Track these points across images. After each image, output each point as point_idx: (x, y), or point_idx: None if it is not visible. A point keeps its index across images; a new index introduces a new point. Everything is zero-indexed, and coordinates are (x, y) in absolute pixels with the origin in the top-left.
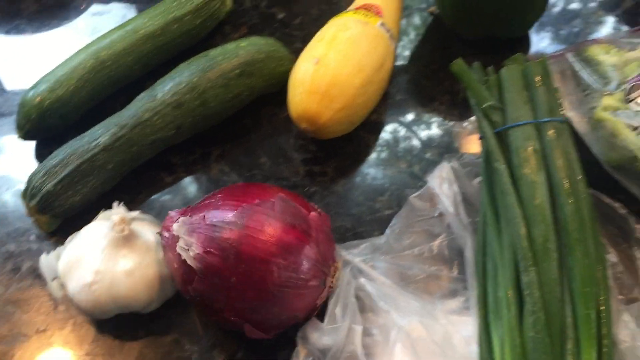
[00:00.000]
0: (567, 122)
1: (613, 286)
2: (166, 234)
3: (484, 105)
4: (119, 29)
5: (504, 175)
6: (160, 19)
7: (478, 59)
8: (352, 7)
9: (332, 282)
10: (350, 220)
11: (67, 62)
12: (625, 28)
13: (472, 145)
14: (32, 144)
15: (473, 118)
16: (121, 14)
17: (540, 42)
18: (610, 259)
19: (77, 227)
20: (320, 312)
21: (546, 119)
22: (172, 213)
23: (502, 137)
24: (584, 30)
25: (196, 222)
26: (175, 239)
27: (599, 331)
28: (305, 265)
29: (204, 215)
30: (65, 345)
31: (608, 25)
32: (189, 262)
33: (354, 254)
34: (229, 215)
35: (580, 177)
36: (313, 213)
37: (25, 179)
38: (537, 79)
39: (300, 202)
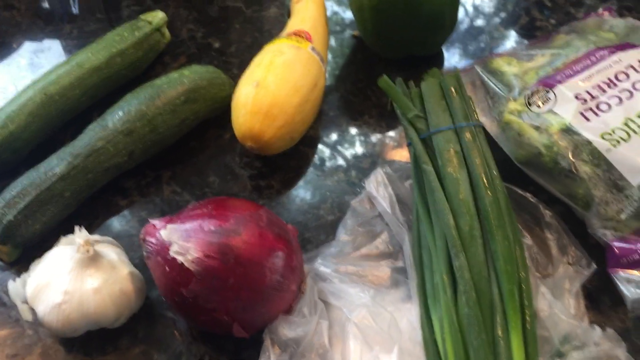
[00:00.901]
0: (481, 126)
1: (530, 265)
2: (151, 240)
3: (409, 115)
4: (65, 64)
5: (431, 175)
6: (104, 53)
7: (399, 75)
8: (284, 33)
9: (303, 287)
10: (298, 227)
11: (16, 99)
12: (523, 41)
13: (400, 152)
14: None
15: (398, 128)
16: (58, 50)
17: (452, 56)
18: (526, 242)
19: (38, 254)
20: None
21: (463, 124)
22: (154, 221)
23: (427, 142)
24: (489, 44)
25: (192, 229)
26: (165, 244)
27: (522, 303)
28: (289, 271)
29: (200, 223)
30: None
31: (509, 39)
32: (187, 265)
33: (313, 262)
34: (226, 224)
35: (495, 172)
36: (289, 225)
37: None
38: (452, 89)
39: None
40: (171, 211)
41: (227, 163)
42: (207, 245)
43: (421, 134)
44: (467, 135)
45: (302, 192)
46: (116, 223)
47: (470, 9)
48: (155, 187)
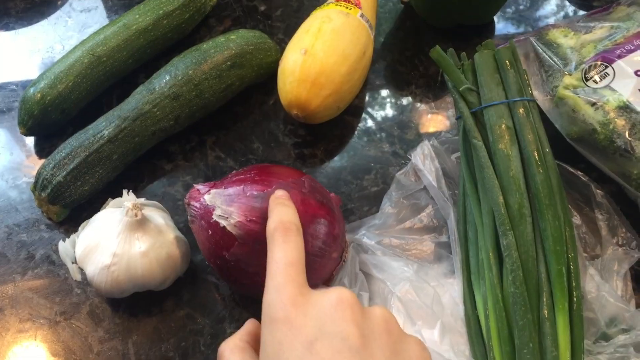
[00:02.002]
0: (534, 101)
1: (578, 245)
2: (195, 204)
3: (461, 88)
4: (112, 25)
5: (481, 150)
6: (151, 15)
7: (449, 45)
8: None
9: (345, 256)
10: (341, 197)
11: (65, 59)
12: (580, 11)
13: (447, 125)
14: (32, 139)
15: (446, 100)
16: (104, 9)
17: (505, 27)
18: (575, 221)
19: (85, 215)
20: (327, 283)
21: (516, 99)
22: (198, 186)
23: (477, 117)
24: (543, 14)
25: (235, 194)
26: (208, 208)
27: (570, 284)
28: (331, 238)
29: (243, 188)
30: (85, 325)
31: (566, 9)
32: (229, 229)
33: (356, 232)
34: (268, 189)
35: (547, 149)
36: (332, 194)
37: (28, 172)
38: (507, 62)
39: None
40: (215, 176)
41: (271, 130)
42: (250, 209)
43: (472, 107)
44: (521, 110)
45: (346, 162)
46: (161, 186)
47: None
48: (200, 152)
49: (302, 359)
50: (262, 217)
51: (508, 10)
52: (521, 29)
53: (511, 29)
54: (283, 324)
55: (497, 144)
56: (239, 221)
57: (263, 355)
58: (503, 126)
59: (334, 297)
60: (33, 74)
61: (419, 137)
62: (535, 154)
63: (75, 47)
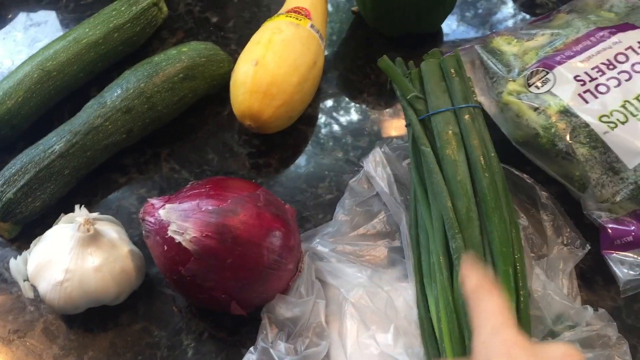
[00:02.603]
0: (479, 107)
1: (525, 245)
2: (150, 219)
3: (408, 96)
4: (62, 39)
5: (429, 156)
6: (102, 28)
7: (398, 53)
8: (283, 10)
9: (301, 266)
10: (296, 206)
11: (13, 75)
12: (524, 18)
13: (398, 131)
14: None
15: (397, 108)
16: (55, 23)
17: (452, 34)
18: (522, 222)
19: (37, 231)
20: (284, 293)
21: (462, 105)
22: (152, 200)
23: (425, 123)
24: (488, 22)
25: (190, 209)
26: (163, 224)
27: (517, 284)
28: (287, 250)
29: (198, 203)
30: (40, 343)
31: (509, 17)
32: (184, 244)
33: (311, 241)
34: (224, 204)
35: (493, 154)
36: (287, 205)
37: None
38: (452, 70)
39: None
40: (170, 189)
41: (226, 141)
42: (205, 225)
43: (420, 115)
44: (466, 116)
45: (300, 171)
46: (115, 200)
47: None
48: (154, 165)
49: None
50: (218, 233)
51: (465, 15)
52: (467, 37)
53: (460, 37)
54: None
55: (445, 149)
56: (195, 237)
57: None
58: (450, 132)
59: (562, 349)
60: None
61: (372, 145)
62: (481, 158)
63: (24, 62)
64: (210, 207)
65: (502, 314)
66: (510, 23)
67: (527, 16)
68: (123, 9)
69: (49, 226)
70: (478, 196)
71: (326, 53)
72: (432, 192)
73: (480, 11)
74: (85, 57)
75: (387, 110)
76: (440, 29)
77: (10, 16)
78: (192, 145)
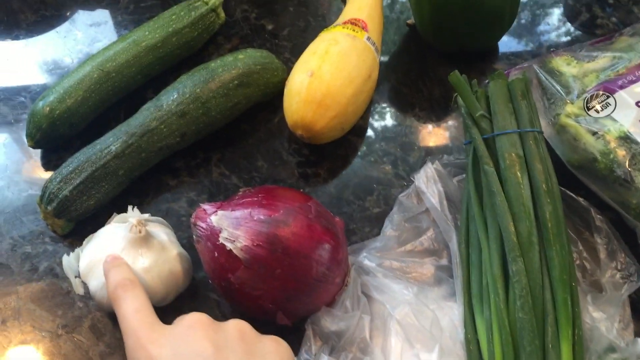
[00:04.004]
0: (542, 132)
1: (577, 272)
2: (202, 225)
3: (475, 114)
4: (121, 41)
5: (492, 176)
6: (161, 32)
7: (452, 68)
8: (340, 21)
9: (347, 280)
10: (343, 218)
11: (74, 74)
12: (582, 38)
13: (449, 147)
14: (39, 151)
15: (449, 123)
16: (114, 24)
17: (507, 51)
18: (574, 247)
19: (89, 229)
20: (330, 307)
21: (528, 129)
22: (204, 206)
23: (488, 143)
24: (544, 40)
25: (242, 217)
26: (215, 230)
27: (574, 313)
28: (335, 263)
29: (250, 212)
30: (87, 339)
31: (568, 36)
32: (235, 252)
33: (357, 254)
34: (276, 214)
35: (554, 179)
36: (337, 218)
37: (34, 184)
38: (520, 93)
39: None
40: (219, 193)
41: (276, 148)
42: (257, 234)
43: (484, 134)
44: (531, 140)
45: (348, 182)
46: (165, 202)
47: (528, 2)
48: (205, 169)
49: None
50: (269, 242)
51: (521, 32)
52: (521, 46)
53: (515, 53)
54: (141, 355)
55: (509, 171)
56: (246, 245)
57: None
58: (514, 154)
59: (185, 322)
60: (42, 86)
61: (422, 159)
62: (544, 184)
63: (84, 62)
64: (262, 217)
65: (136, 314)
66: (568, 42)
67: (587, 36)
68: (182, 13)
69: (101, 224)
70: (539, 221)
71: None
72: (491, 213)
73: (537, 28)
74: (144, 59)
75: (438, 125)
76: (496, 45)
77: (68, 14)
78: (243, 151)
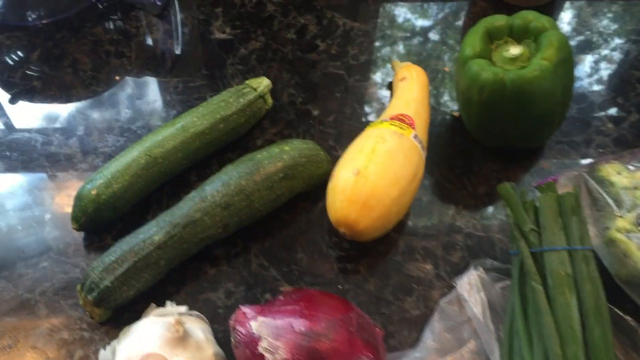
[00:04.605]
0: (593, 250)
1: None
2: (241, 330)
3: (525, 228)
4: (170, 126)
5: (540, 295)
6: (209, 118)
7: (497, 165)
8: (387, 116)
9: None
10: (381, 319)
11: (121, 158)
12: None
13: (494, 252)
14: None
15: (494, 224)
16: (163, 102)
17: (554, 150)
18: None
19: (126, 316)
20: None
21: (578, 247)
22: (245, 309)
23: (536, 257)
24: (593, 141)
25: (282, 327)
26: (254, 337)
27: None
28: None
29: (291, 322)
30: None
31: (617, 139)
32: None
33: None
34: (317, 326)
35: (604, 302)
36: (377, 329)
37: (76, 266)
38: (570, 208)
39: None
40: (257, 285)
41: (316, 240)
42: (297, 347)
43: (532, 247)
44: (581, 259)
45: (388, 281)
46: (203, 292)
47: (577, 100)
48: (244, 259)
49: None
50: (309, 357)
51: (569, 131)
52: (569, 144)
53: (562, 153)
54: None
55: (557, 290)
56: (286, 358)
57: None
58: (563, 273)
59: None
60: (90, 165)
61: (464, 260)
62: (593, 306)
63: (132, 146)
64: (303, 329)
65: None
66: (616, 142)
67: (636, 137)
68: (231, 100)
69: (138, 311)
70: (588, 346)
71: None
72: (537, 331)
73: (585, 126)
74: (191, 145)
75: (482, 225)
76: (543, 143)
77: (119, 90)
78: (282, 241)
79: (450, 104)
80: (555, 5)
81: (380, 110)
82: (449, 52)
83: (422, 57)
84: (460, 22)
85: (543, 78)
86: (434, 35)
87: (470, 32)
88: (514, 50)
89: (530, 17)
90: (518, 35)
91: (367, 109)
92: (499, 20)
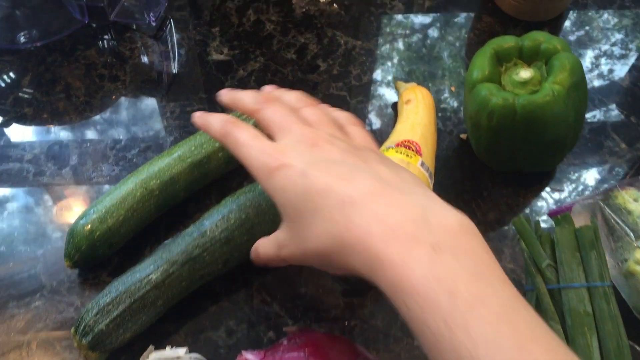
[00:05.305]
0: (612, 286)
1: None
2: None
3: (542, 264)
4: (166, 156)
5: (560, 336)
6: (207, 147)
7: (506, 189)
8: (392, 142)
9: None
10: (390, 357)
11: (116, 191)
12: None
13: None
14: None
15: (505, 255)
16: (159, 127)
17: (565, 174)
18: None
19: (123, 358)
20: None
21: (597, 284)
22: (247, 355)
23: (553, 294)
24: (607, 161)
25: None
26: None
27: None
28: None
29: None
30: None
31: (632, 162)
32: None
33: None
34: None
35: (625, 340)
36: None
37: (70, 305)
38: (589, 243)
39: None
40: (259, 323)
41: (320, 273)
42: None
43: (549, 283)
44: (601, 296)
45: (397, 316)
46: (203, 330)
47: (589, 122)
48: (245, 294)
49: (310, 176)
50: None
51: (581, 153)
52: (581, 167)
53: (573, 177)
54: (279, 169)
55: (577, 331)
56: None
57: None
58: (582, 312)
59: (296, 138)
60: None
61: None
62: (616, 347)
63: (127, 177)
64: None
65: (255, 138)
66: (630, 164)
67: None
68: None
69: (134, 353)
70: None
71: (432, 183)
72: None
73: (597, 149)
74: (189, 176)
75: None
76: (554, 168)
77: (113, 116)
78: (285, 275)
79: (459, 127)
80: (563, 18)
81: (385, 134)
82: (454, 72)
83: (426, 76)
84: (464, 35)
85: (555, 103)
86: (439, 53)
87: (478, 54)
88: (524, 73)
89: (540, 39)
90: (528, 57)
91: (370, 131)
92: (507, 41)
